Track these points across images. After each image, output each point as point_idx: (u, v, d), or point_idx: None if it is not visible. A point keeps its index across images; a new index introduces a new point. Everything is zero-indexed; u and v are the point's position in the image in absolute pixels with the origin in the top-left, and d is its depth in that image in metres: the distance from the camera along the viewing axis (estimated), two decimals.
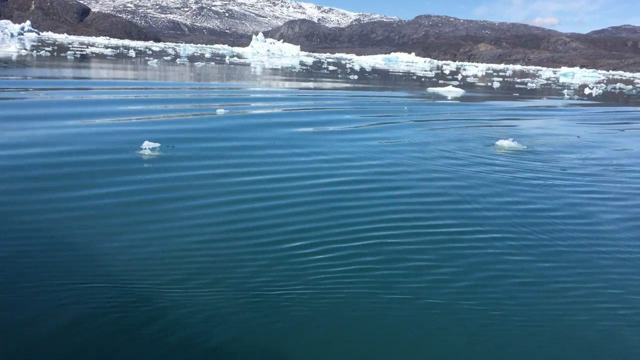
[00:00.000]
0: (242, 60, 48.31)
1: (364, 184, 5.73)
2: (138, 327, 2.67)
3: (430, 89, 20.99)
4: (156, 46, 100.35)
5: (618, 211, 5.36)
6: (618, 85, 45.89)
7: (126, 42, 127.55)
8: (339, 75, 31.39)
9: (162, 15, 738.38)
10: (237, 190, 5.11)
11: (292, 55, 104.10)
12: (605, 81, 58.40)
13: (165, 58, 38.62)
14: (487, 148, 8.36)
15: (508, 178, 6.34)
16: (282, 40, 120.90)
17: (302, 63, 52.93)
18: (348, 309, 3.02)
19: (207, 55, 57.42)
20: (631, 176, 7.05)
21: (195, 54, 61.44)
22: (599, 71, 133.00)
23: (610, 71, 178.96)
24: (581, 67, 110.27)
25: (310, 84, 22.24)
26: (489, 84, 31.43)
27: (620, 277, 3.78)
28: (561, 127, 12.55)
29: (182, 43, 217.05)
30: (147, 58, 37.44)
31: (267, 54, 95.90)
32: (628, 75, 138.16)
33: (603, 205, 5.50)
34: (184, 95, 14.35)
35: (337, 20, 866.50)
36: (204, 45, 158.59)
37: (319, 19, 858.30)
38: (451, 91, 20.11)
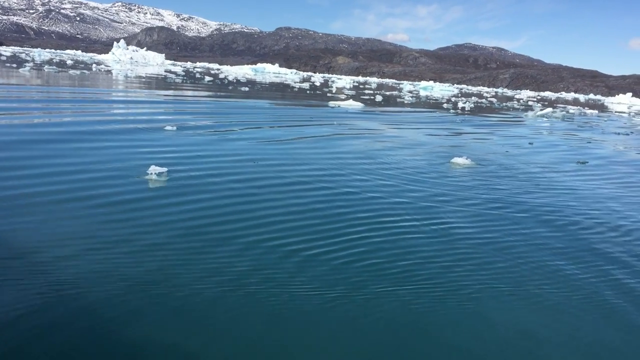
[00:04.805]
0: (109, 68, 45.63)
1: (307, 184, 6.31)
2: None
3: (332, 103, 21.42)
4: (4, 50, 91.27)
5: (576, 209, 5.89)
6: (474, 98, 49.76)
7: None
8: (230, 87, 30.90)
9: (4, 17, 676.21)
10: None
11: (157, 63, 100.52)
12: (460, 94, 62.85)
13: (27, 64, 35.30)
14: (441, 161, 8.77)
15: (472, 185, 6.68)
16: (145, 48, 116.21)
17: (174, 72, 51.05)
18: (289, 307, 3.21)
19: (69, 62, 53.34)
20: (574, 184, 7.78)
21: (54, 60, 56.88)
22: (450, 85, 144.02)
23: (455, 85, 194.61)
24: (436, 81, 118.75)
25: (215, 97, 21.58)
26: (372, 97, 32.70)
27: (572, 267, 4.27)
28: (481, 140, 13.45)
29: (28, 47, 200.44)
30: (7, 64, 34.00)
31: (130, 62, 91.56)
32: (473, 89, 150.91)
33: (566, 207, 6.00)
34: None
35: (198, 29, 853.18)
36: (57, 51, 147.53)
37: (178, 27, 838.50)
38: (352, 105, 20.67)
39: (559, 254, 4.62)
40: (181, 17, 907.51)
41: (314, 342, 2.87)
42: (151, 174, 5.68)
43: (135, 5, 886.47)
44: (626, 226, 5.77)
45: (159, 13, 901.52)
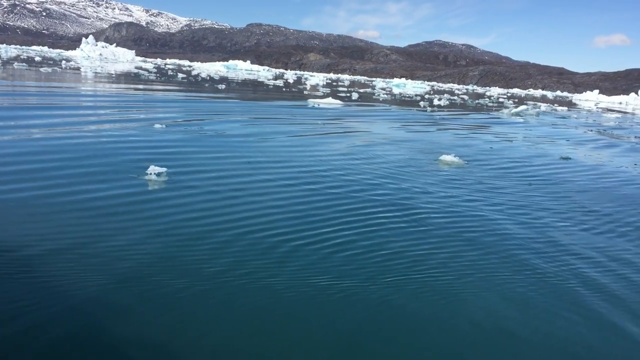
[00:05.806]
0: (79, 65, 44.63)
1: (294, 180, 6.48)
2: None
3: (311, 101, 21.44)
4: None
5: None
6: (446, 96, 49.88)
7: None
8: (206, 85, 30.59)
9: None
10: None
11: (127, 60, 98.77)
12: (432, 92, 62.94)
13: None
14: (429, 158, 8.88)
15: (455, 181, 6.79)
16: (114, 45, 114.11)
17: (145, 69, 50.08)
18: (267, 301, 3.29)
19: (37, 58, 51.89)
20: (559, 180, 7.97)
21: (21, 56, 55.47)
22: (422, 83, 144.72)
23: (427, 82, 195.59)
24: (407, 79, 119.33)
25: (193, 96, 21.38)
26: (348, 95, 32.72)
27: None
28: (462, 137, 13.62)
29: None
30: None
31: (100, 59, 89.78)
32: (444, 86, 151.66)
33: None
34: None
35: (167, 25, 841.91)
36: (23, 47, 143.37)
37: (147, 23, 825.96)
38: (331, 103, 20.72)
39: (527, 246, 4.81)
40: (150, 13, 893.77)
41: (297, 332, 2.96)
42: (150, 173, 5.60)
43: (103, 0, 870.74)
44: (596, 222, 5.93)
45: (127, 8, 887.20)
